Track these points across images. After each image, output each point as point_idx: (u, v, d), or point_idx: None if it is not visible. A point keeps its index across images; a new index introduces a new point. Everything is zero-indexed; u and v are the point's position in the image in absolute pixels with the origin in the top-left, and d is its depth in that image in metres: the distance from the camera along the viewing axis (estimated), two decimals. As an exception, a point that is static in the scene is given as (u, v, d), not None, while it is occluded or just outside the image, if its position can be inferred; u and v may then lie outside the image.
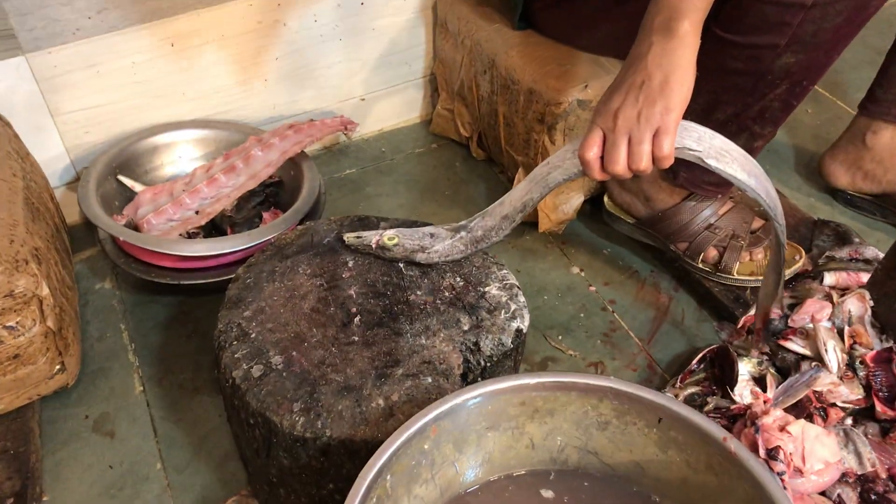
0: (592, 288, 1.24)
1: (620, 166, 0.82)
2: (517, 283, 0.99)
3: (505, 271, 1.01)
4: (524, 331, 0.95)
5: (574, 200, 1.30)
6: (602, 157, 0.84)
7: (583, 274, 1.27)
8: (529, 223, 1.32)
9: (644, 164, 0.81)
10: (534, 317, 1.20)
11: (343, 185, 1.44)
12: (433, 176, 1.46)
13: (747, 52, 0.98)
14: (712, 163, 0.82)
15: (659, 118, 0.80)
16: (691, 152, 0.82)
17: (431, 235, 1.00)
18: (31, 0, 1.14)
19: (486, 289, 0.98)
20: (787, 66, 0.97)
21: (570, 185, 1.28)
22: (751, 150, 1.10)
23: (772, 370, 1.07)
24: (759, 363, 1.08)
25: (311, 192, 1.24)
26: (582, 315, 1.20)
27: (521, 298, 0.97)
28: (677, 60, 0.80)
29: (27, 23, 1.16)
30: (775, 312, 1.09)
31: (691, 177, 1.15)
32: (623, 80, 0.83)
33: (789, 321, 1.10)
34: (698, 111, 1.06)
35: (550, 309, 1.21)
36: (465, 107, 1.43)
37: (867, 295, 1.07)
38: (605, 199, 1.28)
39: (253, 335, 0.93)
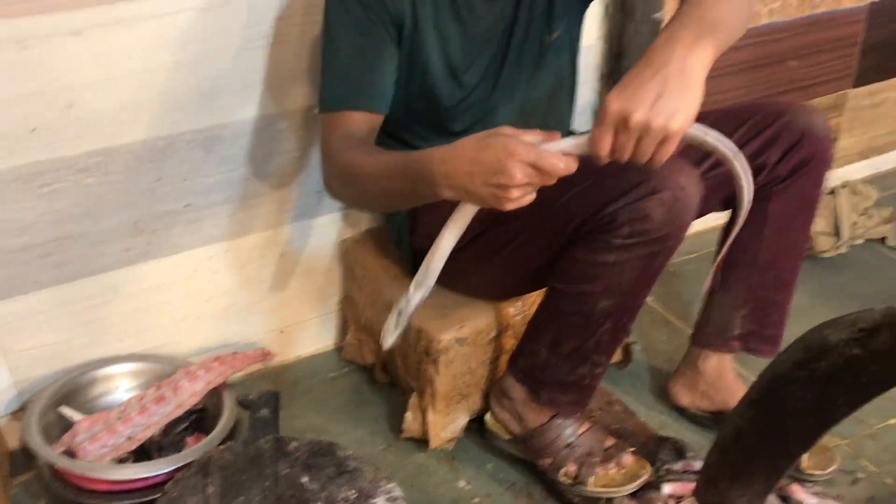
0: (476, 500, 1.43)
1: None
2: (402, 496, 1.18)
3: (392, 485, 1.20)
4: (404, 539, 1.13)
5: (460, 420, 1.51)
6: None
7: (469, 487, 1.46)
8: (422, 441, 1.52)
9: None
10: (424, 528, 1.37)
11: (262, 408, 1.63)
12: (342, 398, 1.67)
13: (575, 298, 1.25)
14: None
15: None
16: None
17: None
18: (-4, 260, 1.37)
19: (374, 500, 1.17)
20: (606, 308, 1.23)
21: (458, 405, 1.50)
22: (595, 376, 1.34)
23: (620, 571, 1.25)
24: (611, 565, 1.26)
25: (230, 418, 1.43)
26: (466, 526, 1.38)
27: (405, 510, 1.16)
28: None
29: (-10, 278, 1.38)
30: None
31: (552, 397, 1.38)
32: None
33: (635, 526, 1.30)
34: (547, 345, 1.32)
35: (439, 520, 1.39)
36: (370, 337, 1.66)
37: (695, 502, 1.28)
38: (487, 416, 1.50)
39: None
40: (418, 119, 1.38)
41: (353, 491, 1.18)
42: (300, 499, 1.16)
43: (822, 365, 0.99)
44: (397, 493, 1.18)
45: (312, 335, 1.78)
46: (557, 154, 0.99)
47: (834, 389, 0.98)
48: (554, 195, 1.23)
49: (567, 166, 1.00)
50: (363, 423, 1.60)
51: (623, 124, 0.97)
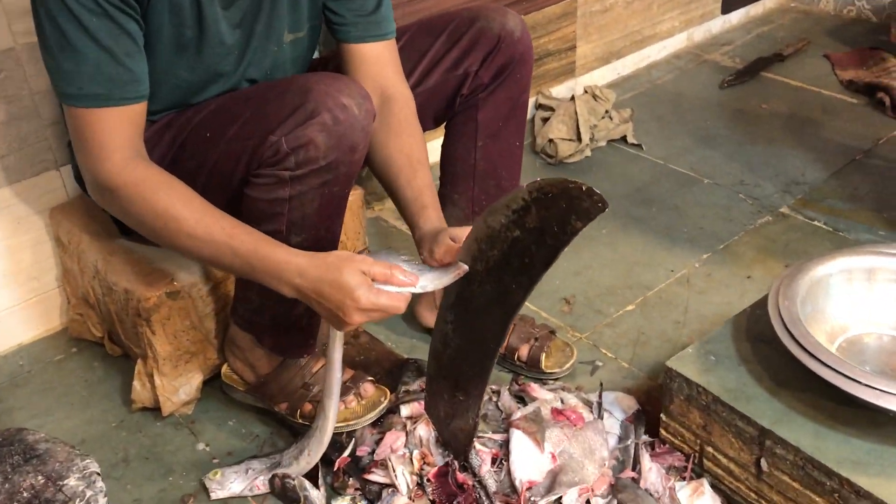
0: (216, 460, 1.34)
1: None
2: (98, 471, 1.07)
3: (88, 461, 1.09)
4: (100, 516, 1.02)
5: (194, 381, 1.40)
6: None
7: (208, 448, 1.36)
8: (157, 409, 1.40)
9: None
10: (158, 499, 1.27)
11: (-25, 406, 1.46)
12: (71, 380, 1.52)
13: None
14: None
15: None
16: None
17: None
18: None
19: (65, 482, 1.05)
20: (299, 244, 1.13)
21: (188, 365, 1.39)
22: (313, 314, 1.26)
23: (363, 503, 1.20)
24: (353, 499, 1.21)
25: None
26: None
27: (100, 484, 1.05)
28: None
29: None
30: None
31: (275, 341, 1.30)
32: None
33: (375, 455, 1.25)
34: (256, 290, 1.23)
35: (175, 489, 1.29)
36: (91, 309, 1.52)
37: (426, 419, 1.25)
38: (223, 368, 1.40)
39: None
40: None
41: (41, 477, 1.06)
42: (-23, 495, 1.03)
43: (494, 254, 0.97)
44: (93, 468, 1.07)
45: (33, 318, 1.61)
46: (402, 295, 1.01)
47: (506, 276, 0.96)
48: (219, 133, 1.14)
49: (406, 303, 1.02)
50: (94, 402, 1.47)
51: None
